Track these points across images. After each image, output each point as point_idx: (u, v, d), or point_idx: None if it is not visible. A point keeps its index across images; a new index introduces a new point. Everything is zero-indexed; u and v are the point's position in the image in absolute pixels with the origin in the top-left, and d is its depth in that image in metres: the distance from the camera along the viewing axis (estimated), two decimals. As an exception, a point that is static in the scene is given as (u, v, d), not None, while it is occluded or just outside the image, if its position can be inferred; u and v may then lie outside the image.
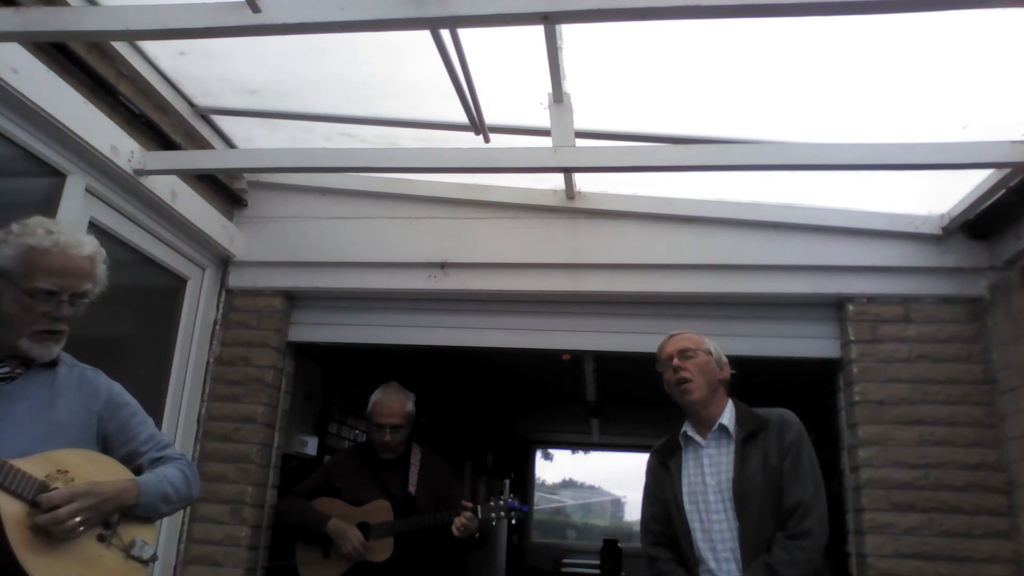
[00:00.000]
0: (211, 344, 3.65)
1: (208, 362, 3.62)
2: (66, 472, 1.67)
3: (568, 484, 20.04)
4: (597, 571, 9.92)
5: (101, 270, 1.84)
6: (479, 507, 3.02)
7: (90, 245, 1.83)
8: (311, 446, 5.17)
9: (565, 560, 11.76)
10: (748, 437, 2.26)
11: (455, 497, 3.20)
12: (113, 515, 1.73)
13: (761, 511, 2.16)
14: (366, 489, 3.15)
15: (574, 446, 14.44)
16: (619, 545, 9.86)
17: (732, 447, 2.27)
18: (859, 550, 3.06)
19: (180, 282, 3.51)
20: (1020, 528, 2.91)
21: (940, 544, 2.95)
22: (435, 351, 3.83)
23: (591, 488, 20.14)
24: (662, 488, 2.38)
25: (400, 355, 4.30)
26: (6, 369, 1.73)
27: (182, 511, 3.28)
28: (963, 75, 2.47)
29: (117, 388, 1.93)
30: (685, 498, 2.29)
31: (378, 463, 3.25)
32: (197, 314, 3.58)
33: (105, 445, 1.85)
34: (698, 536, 2.23)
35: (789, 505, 2.15)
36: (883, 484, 3.05)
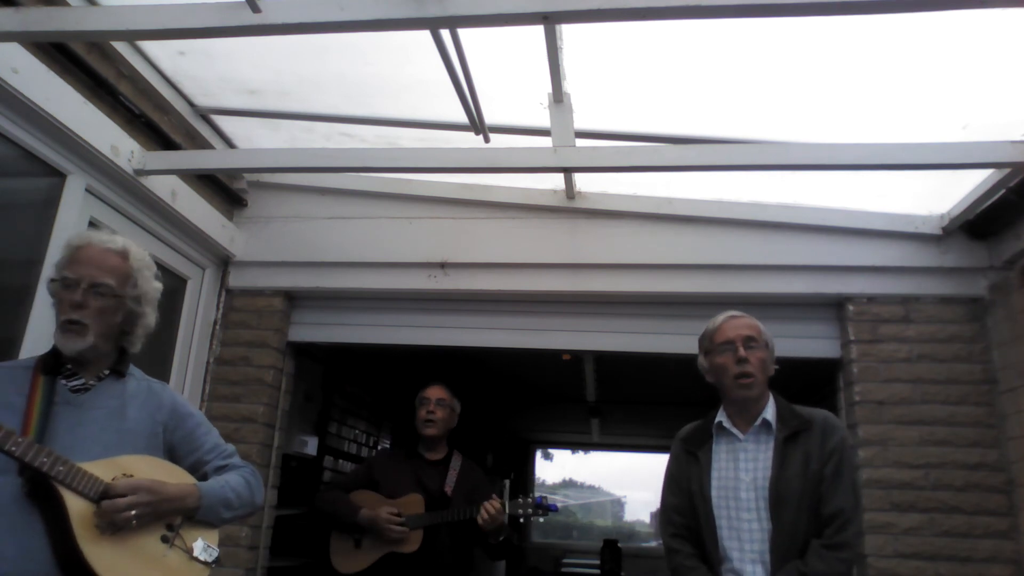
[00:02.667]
0: (211, 344, 3.65)
1: (208, 362, 3.62)
2: (131, 476, 1.75)
3: (568, 484, 20.03)
4: (597, 571, 9.92)
5: (141, 275, 1.89)
6: (507, 503, 3.02)
7: (123, 242, 1.90)
8: (311, 446, 5.18)
9: (565, 560, 11.75)
10: (790, 436, 2.13)
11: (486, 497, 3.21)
12: (176, 518, 1.79)
13: (796, 515, 2.05)
14: (403, 483, 3.16)
15: (574, 446, 14.43)
16: (619, 545, 9.86)
17: (772, 444, 2.14)
18: (859, 550, 3.07)
19: (180, 282, 3.51)
20: (1020, 528, 2.91)
21: (940, 544, 2.96)
22: (435, 351, 3.83)
23: (591, 488, 20.14)
24: (687, 478, 2.23)
25: (400, 355, 4.31)
26: (81, 381, 1.83)
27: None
28: (963, 75, 2.47)
29: (181, 400, 2.02)
30: (713, 492, 2.15)
31: (419, 461, 3.27)
32: (197, 314, 3.58)
33: (171, 455, 1.92)
34: (724, 533, 2.11)
35: (828, 513, 2.04)
36: (883, 484, 3.05)
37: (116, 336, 1.89)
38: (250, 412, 3.54)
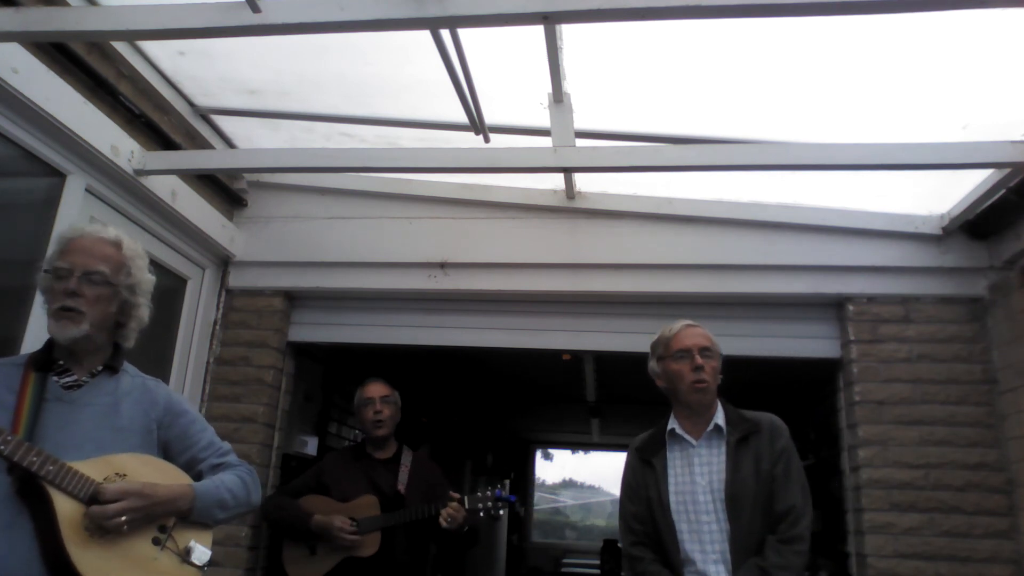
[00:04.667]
0: (211, 344, 3.65)
1: (208, 362, 3.62)
2: (124, 476, 1.72)
3: (568, 484, 20.03)
4: (597, 571, 9.92)
5: (135, 264, 1.88)
6: (466, 498, 3.00)
7: (115, 232, 1.89)
8: (311, 446, 5.17)
9: (565, 560, 11.76)
10: (741, 439, 2.24)
11: (444, 495, 3.19)
12: (169, 519, 1.76)
13: (752, 514, 2.15)
14: (355, 486, 3.12)
15: (574, 446, 14.43)
16: (619, 545, 9.86)
17: (723, 448, 2.24)
18: (859, 550, 3.06)
19: (180, 282, 3.51)
20: (1020, 528, 2.91)
21: (940, 544, 2.96)
22: (435, 351, 3.83)
23: (591, 488, 20.14)
24: (645, 486, 2.32)
25: (400, 355, 4.30)
26: (73, 377, 1.80)
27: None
28: (963, 75, 2.47)
29: (176, 397, 1.99)
30: (672, 497, 2.24)
31: (369, 461, 3.23)
32: (197, 314, 3.58)
33: (166, 452, 1.90)
34: (685, 537, 2.19)
35: (781, 510, 2.16)
36: (883, 484, 3.05)
37: (111, 329, 1.86)
38: (250, 412, 3.54)
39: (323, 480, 3.22)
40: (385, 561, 3.00)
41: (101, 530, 1.63)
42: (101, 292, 1.79)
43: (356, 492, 3.11)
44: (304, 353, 4.09)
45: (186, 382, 3.49)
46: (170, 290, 3.48)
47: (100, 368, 1.84)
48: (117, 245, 1.86)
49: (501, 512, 3.08)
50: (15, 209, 2.63)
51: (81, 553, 1.59)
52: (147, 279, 1.92)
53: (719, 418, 2.30)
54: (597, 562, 9.91)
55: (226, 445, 2.02)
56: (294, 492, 3.24)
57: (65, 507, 1.60)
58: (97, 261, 1.80)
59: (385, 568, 3.00)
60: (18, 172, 2.59)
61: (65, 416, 1.73)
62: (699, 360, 2.28)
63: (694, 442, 2.29)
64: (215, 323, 3.69)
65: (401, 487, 3.15)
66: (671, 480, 2.27)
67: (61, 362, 1.79)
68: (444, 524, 2.92)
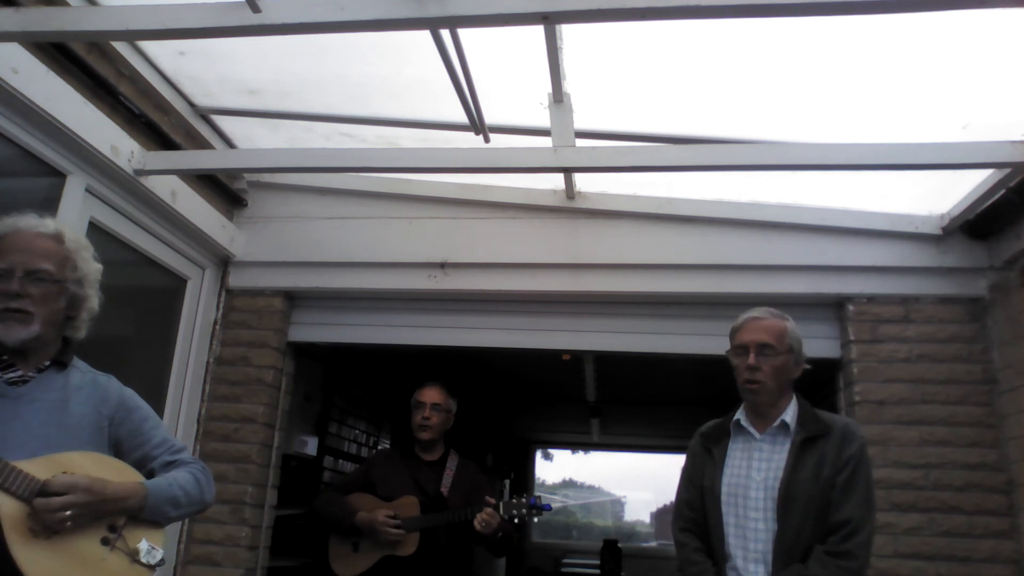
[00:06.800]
0: (211, 344, 3.65)
1: (208, 362, 3.62)
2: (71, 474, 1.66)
3: (568, 484, 20.06)
4: (597, 571, 9.92)
5: (80, 256, 1.80)
6: (501, 504, 3.03)
7: (54, 226, 1.81)
8: (311, 446, 5.18)
9: (565, 560, 11.75)
10: (807, 440, 2.11)
11: (481, 500, 3.21)
12: (119, 518, 1.70)
13: (803, 519, 2.03)
14: (399, 485, 3.16)
15: (574, 446, 14.44)
16: (619, 545, 9.86)
17: (788, 446, 2.13)
18: (859, 550, 3.06)
19: (180, 282, 3.51)
20: (1020, 528, 2.91)
21: (940, 544, 2.96)
22: (435, 351, 3.83)
23: (591, 488, 20.17)
24: (701, 474, 2.24)
25: (400, 355, 4.31)
26: (18, 372, 1.73)
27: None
28: (963, 75, 2.47)
29: (129, 392, 1.91)
30: (724, 488, 2.15)
31: (415, 462, 3.26)
32: (197, 314, 3.58)
33: (117, 449, 1.83)
34: (731, 531, 2.11)
35: (836, 520, 2.02)
36: (883, 484, 3.04)
37: (60, 323, 1.79)
38: (250, 412, 3.53)
39: (370, 477, 3.26)
40: (424, 561, 3.03)
41: (47, 530, 1.57)
42: (48, 290, 1.71)
43: (400, 491, 3.14)
44: (304, 353, 4.09)
45: (186, 382, 3.49)
46: (170, 290, 3.48)
47: (47, 363, 1.76)
48: (58, 239, 1.77)
49: (536, 520, 3.10)
50: (15, 209, 2.61)
51: (26, 554, 1.53)
52: (95, 269, 1.84)
53: (788, 415, 2.18)
54: (597, 562, 9.90)
55: (180, 443, 1.95)
56: (343, 488, 3.30)
57: (8, 507, 1.54)
58: (39, 259, 1.71)
59: (424, 567, 3.03)
60: (18, 172, 2.59)
61: (9, 412, 1.66)
62: (753, 360, 2.16)
63: (757, 435, 2.20)
64: (215, 323, 3.69)
65: (444, 489, 3.17)
66: (727, 471, 2.18)
67: (5, 357, 1.72)
68: (478, 528, 2.95)
